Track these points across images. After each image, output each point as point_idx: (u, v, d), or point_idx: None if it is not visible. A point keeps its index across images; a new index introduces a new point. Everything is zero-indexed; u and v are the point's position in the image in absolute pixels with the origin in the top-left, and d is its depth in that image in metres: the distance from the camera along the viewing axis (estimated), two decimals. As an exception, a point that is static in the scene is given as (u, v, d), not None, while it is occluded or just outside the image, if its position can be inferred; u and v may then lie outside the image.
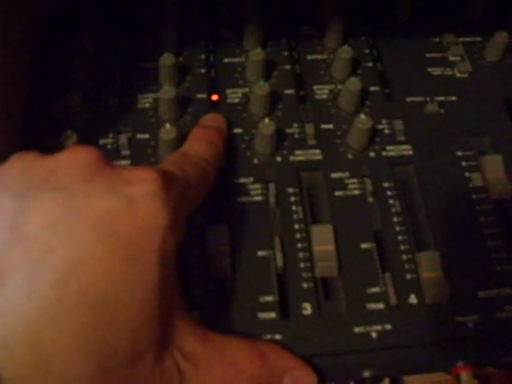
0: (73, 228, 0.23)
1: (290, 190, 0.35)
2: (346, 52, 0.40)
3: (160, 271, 0.25)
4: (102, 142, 0.37)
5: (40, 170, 0.26)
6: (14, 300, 0.22)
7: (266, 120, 0.36)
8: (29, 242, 0.23)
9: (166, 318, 0.25)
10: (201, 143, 0.34)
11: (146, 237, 0.25)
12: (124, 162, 0.36)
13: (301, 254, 0.33)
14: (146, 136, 0.37)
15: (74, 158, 0.26)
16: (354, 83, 0.38)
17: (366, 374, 0.31)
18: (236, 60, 0.42)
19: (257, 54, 0.39)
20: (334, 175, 0.36)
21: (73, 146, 0.28)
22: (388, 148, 0.38)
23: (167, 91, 0.37)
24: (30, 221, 0.23)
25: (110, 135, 0.37)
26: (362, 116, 0.36)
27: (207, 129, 0.36)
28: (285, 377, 0.29)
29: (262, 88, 0.37)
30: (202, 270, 0.32)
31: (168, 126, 0.36)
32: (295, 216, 0.34)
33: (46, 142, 0.36)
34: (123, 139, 0.37)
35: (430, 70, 0.42)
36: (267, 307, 0.31)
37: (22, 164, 0.26)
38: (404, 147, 0.38)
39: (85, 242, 0.23)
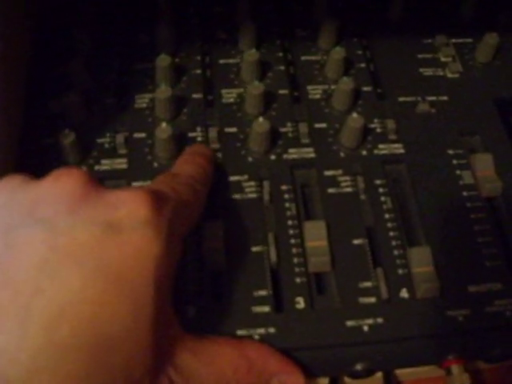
0: (60, 266, 0.23)
1: (284, 188, 0.36)
2: (338, 53, 0.41)
3: (155, 302, 0.24)
4: (99, 140, 0.38)
5: (23, 200, 0.25)
6: (7, 348, 0.21)
7: (260, 119, 0.36)
8: (16, 285, 0.22)
9: (161, 342, 0.25)
10: (189, 165, 0.33)
11: (137, 268, 0.24)
12: (121, 161, 0.37)
13: (294, 250, 0.34)
14: (143, 135, 0.38)
15: (57, 186, 0.25)
16: (347, 83, 0.39)
17: (359, 366, 0.31)
18: (231, 61, 0.43)
19: (251, 55, 0.40)
20: (327, 173, 0.37)
21: (56, 171, 0.26)
22: (380, 146, 0.38)
23: (163, 91, 0.38)
24: (15, 261, 0.23)
25: (107, 134, 0.38)
26: (355, 115, 0.37)
27: (194, 154, 0.35)
28: (272, 381, 0.29)
29: (256, 88, 0.38)
30: (198, 265, 0.33)
31: (164, 125, 0.36)
32: (289, 213, 0.35)
33: (43, 141, 0.37)
34: (120, 138, 0.37)
35: (421, 70, 0.43)
36: (261, 301, 0.32)
37: (6, 193, 0.25)
38: (396, 146, 0.38)
39: (73, 281, 0.22)
